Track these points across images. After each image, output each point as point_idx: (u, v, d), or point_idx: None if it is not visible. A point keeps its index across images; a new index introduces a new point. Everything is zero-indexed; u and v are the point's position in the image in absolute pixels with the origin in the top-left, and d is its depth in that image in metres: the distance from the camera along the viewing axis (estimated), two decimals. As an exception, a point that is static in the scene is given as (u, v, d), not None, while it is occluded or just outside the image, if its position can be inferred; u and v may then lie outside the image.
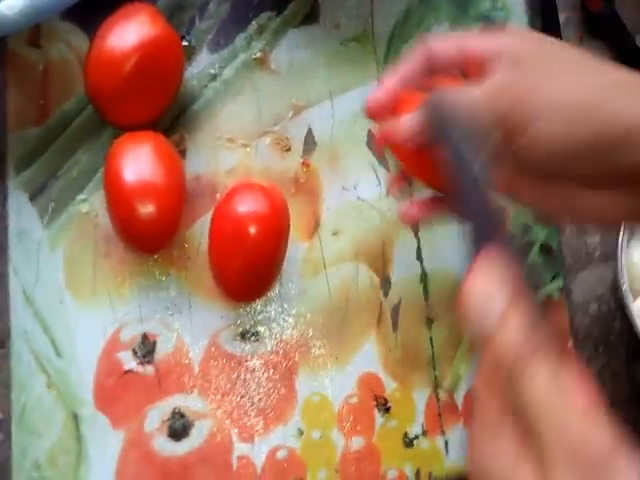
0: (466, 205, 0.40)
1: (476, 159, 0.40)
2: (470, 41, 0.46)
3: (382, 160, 0.63)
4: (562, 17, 0.70)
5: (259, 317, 0.59)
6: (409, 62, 0.48)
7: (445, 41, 0.47)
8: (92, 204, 0.58)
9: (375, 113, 0.48)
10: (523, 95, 0.41)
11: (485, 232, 0.38)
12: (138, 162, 0.55)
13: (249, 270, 0.55)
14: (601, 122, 0.40)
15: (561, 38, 0.69)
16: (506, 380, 0.33)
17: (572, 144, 0.41)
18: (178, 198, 0.56)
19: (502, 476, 0.33)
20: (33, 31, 0.60)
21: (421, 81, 0.47)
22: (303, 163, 0.61)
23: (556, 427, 0.32)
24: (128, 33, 0.56)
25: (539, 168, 0.43)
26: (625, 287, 0.61)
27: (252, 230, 0.54)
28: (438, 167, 0.42)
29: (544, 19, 0.69)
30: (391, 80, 0.48)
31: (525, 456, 0.33)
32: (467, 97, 0.42)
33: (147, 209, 0.53)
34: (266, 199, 0.56)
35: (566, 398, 0.32)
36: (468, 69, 0.47)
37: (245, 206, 0.55)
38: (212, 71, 0.62)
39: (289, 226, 0.57)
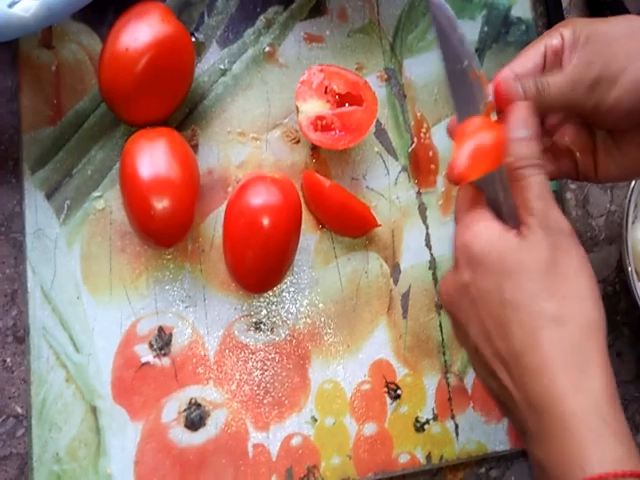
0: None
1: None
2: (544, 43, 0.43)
3: (390, 150, 0.56)
4: (565, 2, 0.62)
5: (272, 307, 0.53)
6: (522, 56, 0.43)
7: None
8: (107, 201, 0.52)
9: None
10: (605, 59, 0.40)
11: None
12: (153, 158, 0.48)
13: (263, 262, 0.49)
14: None
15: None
16: (525, 165, 0.39)
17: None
18: (193, 192, 0.50)
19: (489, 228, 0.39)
20: (45, 32, 0.53)
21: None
22: (312, 155, 0.55)
23: (541, 206, 0.38)
24: (140, 32, 0.49)
25: (625, 124, 0.42)
26: (630, 268, 0.55)
27: (265, 222, 0.48)
28: None
29: (547, 5, 0.62)
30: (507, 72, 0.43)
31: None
32: (555, 79, 0.41)
33: (162, 204, 0.47)
34: (278, 191, 0.49)
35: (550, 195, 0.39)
36: None
37: (258, 198, 0.49)
38: (222, 66, 0.55)
39: (301, 217, 0.51)
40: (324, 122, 0.52)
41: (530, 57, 0.42)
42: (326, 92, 0.53)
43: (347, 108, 0.52)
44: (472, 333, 0.38)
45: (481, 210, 0.40)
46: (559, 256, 0.37)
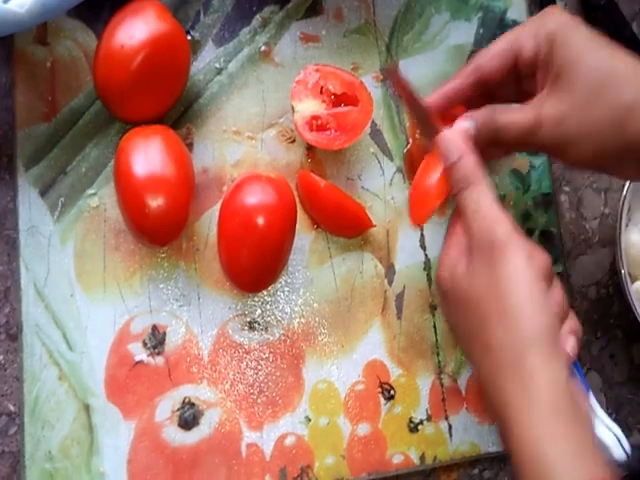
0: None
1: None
2: (510, 37, 0.45)
3: (385, 150, 0.57)
4: (560, 5, 0.63)
5: (267, 307, 0.53)
6: (457, 78, 0.47)
7: (490, 49, 0.46)
8: (101, 198, 0.52)
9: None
10: (567, 112, 0.41)
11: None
12: (148, 156, 0.48)
13: (257, 261, 0.49)
14: (630, 136, 0.40)
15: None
16: (461, 188, 0.43)
17: (610, 149, 0.41)
18: (187, 191, 0.50)
19: (449, 266, 0.43)
20: (40, 29, 0.54)
21: (467, 95, 0.47)
22: (307, 154, 0.56)
23: (476, 224, 0.41)
24: (136, 29, 0.49)
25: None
26: (623, 271, 0.56)
27: (260, 221, 0.48)
28: None
29: (542, 7, 0.63)
30: (436, 96, 0.48)
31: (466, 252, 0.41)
32: (516, 122, 0.43)
33: (157, 202, 0.47)
34: (273, 190, 0.50)
35: (492, 203, 0.41)
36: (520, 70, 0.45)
37: (253, 198, 0.49)
38: (217, 65, 0.56)
39: (296, 217, 0.51)
40: (319, 122, 0.52)
41: (498, 59, 0.44)
42: (322, 92, 0.53)
43: (342, 108, 0.53)
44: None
45: (450, 241, 0.43)
46: (494, 274, 0.38)
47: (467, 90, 0.46)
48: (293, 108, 0.53)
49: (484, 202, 0.41)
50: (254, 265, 0.50)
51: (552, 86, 0.42)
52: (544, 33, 0.43)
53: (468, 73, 0.46)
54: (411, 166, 0.56)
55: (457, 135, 0.43)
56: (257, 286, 0.52)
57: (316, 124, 0.52)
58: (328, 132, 0.53)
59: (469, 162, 0.42)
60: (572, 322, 0.41)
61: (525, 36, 0.44)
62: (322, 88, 0.53)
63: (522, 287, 0.38)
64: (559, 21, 0.43)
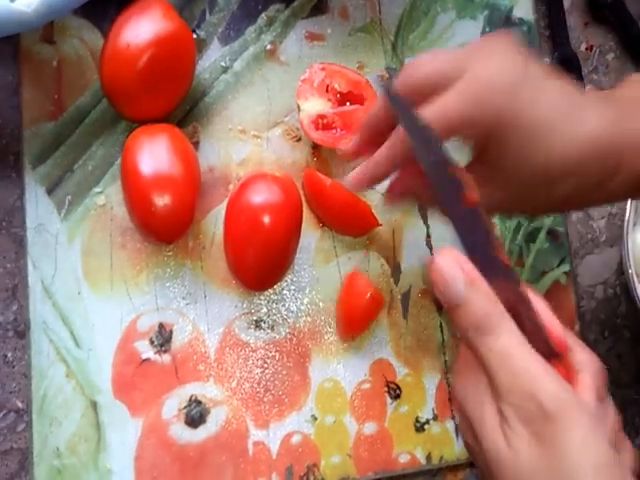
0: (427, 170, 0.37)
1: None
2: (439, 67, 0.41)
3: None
4: (567, 3, 0.63)
5: (273, 305, 0.54)
6: (374, 112, 0.44)
7: (416, 69, 0.42)
8: (108, 196, 0.53)
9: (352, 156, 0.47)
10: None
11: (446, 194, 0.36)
12: (154, 154, 0.49)
13: (264, 259, 0.50)
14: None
15: (566, 25, 0.64)
16: (475, 336, 0.34)
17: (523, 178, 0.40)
18: (193, 189, 0.51)
19: (473, 413, 0.34)
20: (47, 28, 0.54)
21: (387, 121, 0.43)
22: (313, 153, 0.56)
23: (508, 382, 0.32)
24: (142, 28, 0.50)
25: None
26: (631, 271, 0.56)
27: (266, 220, 0.49)
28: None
29: (549, 6, 0.64)
30: (360, 135, 0.45)
31: (489, 400, 0.33)
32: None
33: (163, 200, 0.48)
34: (279, 189, 0.50)
35: (523, 355, 0.33)
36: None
37: (259, 196, 0.50)
38: (223, 64, 0.57)
39: (302, 215, 0.52)
40: (325, 121, 0.53)
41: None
42: (327, 91, 0.54)
43: (348, 107, 0.54)
44: None
45: (462, 377, 0.36)
46: (549, 451, 0.31)
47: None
48: (299, 107, 0.53)
49: (512, 354, 0.33)
50: (260, 263, 0.50)
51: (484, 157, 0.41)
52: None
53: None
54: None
55: (455, 261, 0.35)
56: (263, 284, 0.53)
57: (322, 123, 0.53)
58: (334, 131, 0.53)
59: (481, 302, 0.34)
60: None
61: (453, 74, 0.41)
62: (328, 87, 0.54)
63: (592, 470, 0.31)
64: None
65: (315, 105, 0.53)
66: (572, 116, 0.38)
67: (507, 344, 0.33)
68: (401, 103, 0.39)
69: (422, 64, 0.41)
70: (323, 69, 0.54)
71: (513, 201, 0.42)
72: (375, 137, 0.43)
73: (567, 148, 0.38)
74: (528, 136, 0.38)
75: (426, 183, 0.40)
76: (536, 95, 0.39)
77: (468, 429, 0.35)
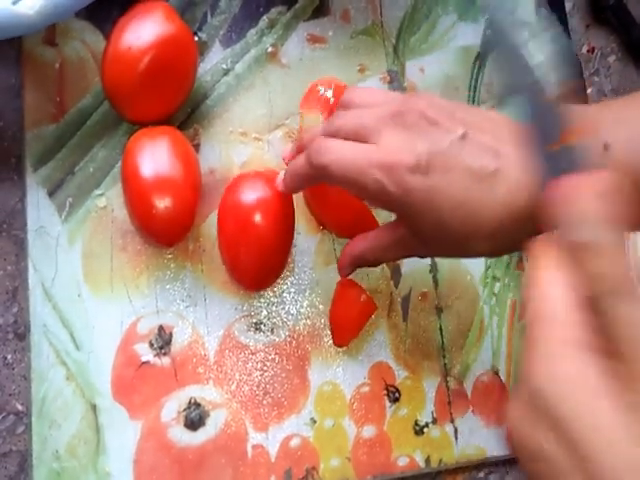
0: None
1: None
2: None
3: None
4: (568, 5, 0.64)
5: (273, 308, 0.54)
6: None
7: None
8: (109, 199, 0.53)
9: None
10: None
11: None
12: (155, 157, 0.49)
13: (257, 257, 0.50)
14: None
15: (567, 28, 0.64)
16: (607, 295, 0.26)
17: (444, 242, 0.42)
18: (194, 192, 0.51)
19: (573, 408, 0.26)
20: (49, 30, 0.54)
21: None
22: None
23: None
24: (143, 31, 0.50)
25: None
26: (631, 274, 0.57)
27: (257, 217, 0.49)
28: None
29: (551, 8, 0.64)
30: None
31: (612, 371, 0.26)
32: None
33: (164, 203, 0.48)
34: (268, 186, 0.50)
35: None
36: None
37: (248, 194, 0.50)
38: (224, 66, 0.57)
39: (294, 211, 0.52)
40: None
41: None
42: (329, 104, 0.54)
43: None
44: None
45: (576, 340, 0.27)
46: None
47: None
48: (302, 116, 0.53)
49: None
50: (254, 262, 0.50)
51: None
52: None
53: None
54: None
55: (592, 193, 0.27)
56: (260, 284, 0.53)
57: None
58: None
59: (621, 256, 0.27)
60: None
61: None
62: (329, 101, 0.54)
63: None
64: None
65: (318, 118, 0.53)
66: (482, 186, 0.39)
67: None
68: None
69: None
70: (320, 85, 0.54)
71: (433, 252, 0.47)
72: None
73: (481, 219, 0.39)
74: (441, 214, 0.39)
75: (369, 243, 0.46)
76: (446, 174, 0.39)
77: (550, 430, 0.26)
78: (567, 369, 0.26)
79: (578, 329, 0.27)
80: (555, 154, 0.29)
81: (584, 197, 0.27)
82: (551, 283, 0.28)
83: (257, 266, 0.51)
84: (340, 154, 0.41)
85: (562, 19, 0.63)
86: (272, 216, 0.50)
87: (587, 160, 0.29)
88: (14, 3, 0.47)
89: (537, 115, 0.31)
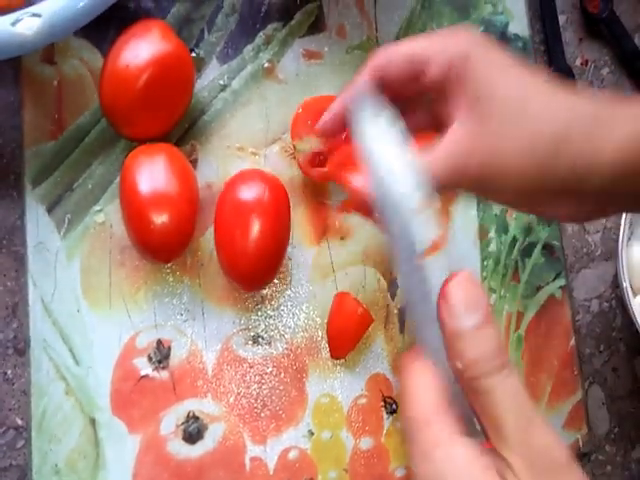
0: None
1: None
2: (416, 46, 0.39)
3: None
4: (562, 19, 0.65)
5: (270, 321, 0.55)
6: (359, 80, 0.40)
7: (391, 51, 0.40)
8: (107, 215, 0.54)
9: (324, 134, 0.45)
10: (488, 155, 0.36)
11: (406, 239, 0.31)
12: (152, 174, 0.50)
13: (254, 251, 0.50)
14: (565, 167, 0.35)
15: (561, 41, 0.65)
16: (484, 369, 0.29)
17: (540, 189, 0.36)
18: (192, 208, 0.52)
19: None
20: (47, 48, 0.55)
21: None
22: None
23: (521, 431, 0.28)
24: (141, 50, 0.51)
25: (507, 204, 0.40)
26: (625, 284, 0.57)
27: (254, 212, 0.50)
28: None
29: (544, 21, 0.65)
30: (340, 102, 0.42)
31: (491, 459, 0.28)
32: (434, 161, 0.37)
33: (162, 219, 0.49)
34: (263, 183, 0.51)
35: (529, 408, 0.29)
36: (421, 84, 0.39)
37: (244, 191, 0.51)
38: (221, 82, 0.58)
39: (288, 204, 0.52)
40: (321, 157, 0.54)
41: (401, 68, 0.39)
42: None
43: (341, 137, 0.54)
44: None
45: (447, 430, 0.29)
46: None
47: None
48: (295, 147, 0.54)
49: (524, 399, 0.29)
50: (251, 257, 0.51)
51: (465, 119, 0.37)
52: (455, 51, 0.37)
53: (366, 78, 0.40)
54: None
55: (472, 284, 0.30)
56: (255, 280, 0.52)
57: (318, 160, 0.53)
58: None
59: (496, 333, 0.29)
60: None
61: (432, 50, 0.38)
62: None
63: None
64: (472, 40, 0.38)
65: (310, 143, 0.53)
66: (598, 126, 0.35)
67: (518, 385, 0.29)
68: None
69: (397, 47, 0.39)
70: (312, 104, 0.55)
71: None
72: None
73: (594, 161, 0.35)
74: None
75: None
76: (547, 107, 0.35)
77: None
78: (440, 466, 0.29)
79: (447, 425, 0.29)
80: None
81: (455, 296, 0.30)
82: (419, 388, 0.30)
83: (253, 261, 0.51)
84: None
85: (556, 33, 0.64)
86: (269, 212, 0.51)
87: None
88: (13, 24, 0.48)
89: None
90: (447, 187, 0.37)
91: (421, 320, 0.31)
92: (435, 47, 0.38)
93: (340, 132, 0.44)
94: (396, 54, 0.39)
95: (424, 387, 0.30)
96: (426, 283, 0.31)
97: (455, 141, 0.37)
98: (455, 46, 0.38)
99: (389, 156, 0.33)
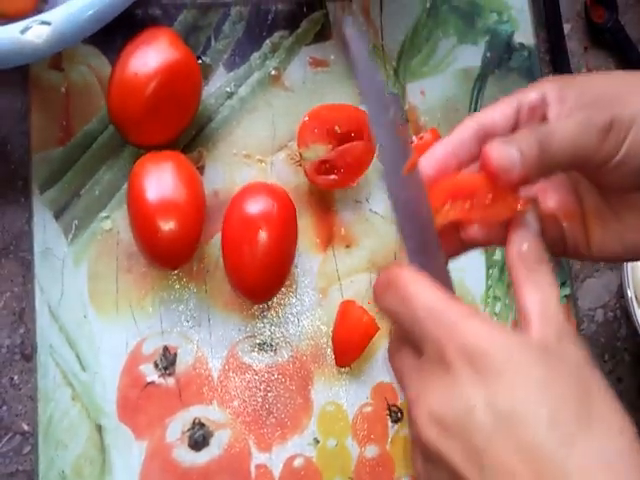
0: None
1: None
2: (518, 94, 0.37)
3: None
4: (567, 28, 0.65)
5: (276, 329, 0.55)
6: (459, 131, 0.37)
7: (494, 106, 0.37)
8: (114, 221, 0.54)
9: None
10: (612, 106, 0.33)
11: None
12: (160, 181, 0.50)
13: (261, 264, 0.51)
14: None
15: (566, 50, 0.65)
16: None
17: None
18: (199, 215, 0.52)
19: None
20: (55, 55, 0.55)
21: (470, 152, 0.36)
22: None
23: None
24: (149, 57, 0.51)
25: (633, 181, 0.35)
26: (630, 294, 0.57)
27: (262, 226, 0.51)
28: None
29: (549, 31, 0.65)
30: (440, 150, 0.37)
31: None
32: (561, 125, 0.34)
33: (169, 226, 0.49)
34: (271, 196, 0.52)
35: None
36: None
37: (252, 205, 0.51)
38: (228, 89, 0.58)
39: (296, 219, 0.53)
40: (327, 165, 0.54)
41: (499, 111, 0.36)
42: (328, 134, 0.54)
43: (348, 145, 0.54)
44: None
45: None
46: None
47: (468, 148, 0.36)
48: (301, 155, 0.54)
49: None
50: (258, 270, 0.51)
51: (582, 101, 0.35)
52: (546, 82, 0.37)
53: (464, 128, 0.37)
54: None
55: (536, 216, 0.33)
56: (262, 292, 0.53)
57: (324, 167, 0.54)
58: (337, 172, 0.54)
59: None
60: None
61: (526, 90, 0.37)
62: (328, 130, 0.54)
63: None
64: (562, 77, 0.38)
65: (317, 151, 0.54)
66: None
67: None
68: (360, 44, 0.35)
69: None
70: (320, 113, 0.55)
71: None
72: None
73: None
74: None
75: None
76: None
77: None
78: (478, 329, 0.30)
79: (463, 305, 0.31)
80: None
81: None
82: (420, 287, 0.32)
83: (260, 274, 0.51)
84: None
85: (561, 42, 0.64)
86: (277, 228, 0.51)
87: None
88: (22, 32, 0.49)
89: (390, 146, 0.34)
90: (573, 152, 0.33)
91: (404, 224, 0.33)
92: (523, 90, 0.37)
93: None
94: (495, 106, 0.37)
95: (423, 285, 0.31)
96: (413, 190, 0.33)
97: (572, 114, 0.34)
98: (545, 81, 0.37)
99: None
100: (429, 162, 0.35)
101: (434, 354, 0.30)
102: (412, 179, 0.33)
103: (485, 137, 0.35)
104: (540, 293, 0.31)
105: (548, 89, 0.36)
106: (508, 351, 0.29)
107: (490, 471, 0.27)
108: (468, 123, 0.36)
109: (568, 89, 0.36)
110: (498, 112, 0.36)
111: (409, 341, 0.32)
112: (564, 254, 0.38)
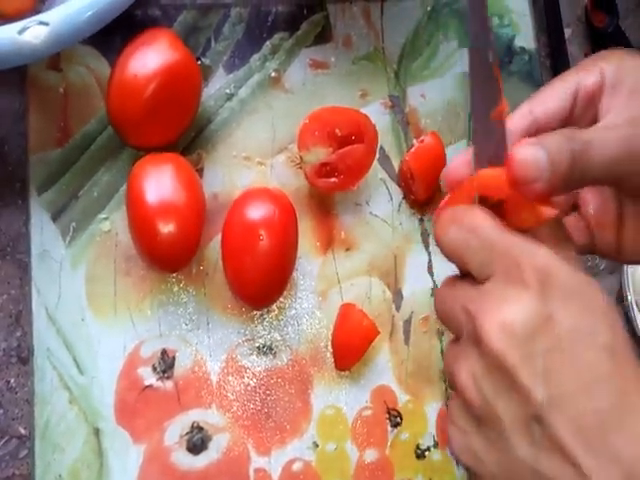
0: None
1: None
2: (571, 79, 0.36)
3: (393, 176, 0.59)
4: (567, 33, 0.65)
5: (275, 332, 0.55)
6: (513, 123, 0.36)
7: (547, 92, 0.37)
8: (113, 223, 0.54)
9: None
10: None
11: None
12: (159, 183, 0.50)
13: (262, 271, 0.50)
14: None
15: (567, 54, 0.65)
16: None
17: None
18: (198, 218, 0.52)
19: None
20: (53, 56, 0.55)
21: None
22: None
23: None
24: (148, 59, 0.51)
25: None
26: (630, 299, 0.58)
27: (262, 232, 0.50)
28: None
29: (550, 35, 0.65)
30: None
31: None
32: (601, 137, 0.32)
33: (168, 229, 0.49)
34: (271, 201, 0.52)
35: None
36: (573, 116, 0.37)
37: (252, 210, 0.51)
38: (228, 91, 0.58)
39: (296, 224, 0.52)
40: (328, 168, 0.54)
41: (556, 98, 0.36)
42: (328, 137, 0.54)
43: (348, 148, 0.54)
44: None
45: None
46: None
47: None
48: (301, 158, 0.54)
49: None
50: (258, 277, 0.51)
51: (623, 109, 0.34)
52: (605, 63, 0.36)
53: (519, 117, 0.36)
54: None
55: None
56: (264, 296, 0.53)
57: (325, 170, 0.53)
58: (338, 175, 0.54)
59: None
60: None
61: (585, 67, 0.36)
62: (328, 133, 0.54)
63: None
64: (618, 54, 0.37)
65: (317, 154, 0.54)
66: None
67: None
68: None
69: None
70: (321, 116, 0.55)
71: None
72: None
73: None
74: None
75: None
76: None
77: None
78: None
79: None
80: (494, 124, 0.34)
81: None
82: (481, 220, 0.34)
83: (261, 281, 0.51)
84: None
85: (562, 47, 0.64)
86: (277, 232, 0.51)
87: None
88: (20, 32, 0.48)
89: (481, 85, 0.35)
90: (610, 169, 0.33)
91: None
92: (586, 66, 0.37)
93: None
94: (550, 89, 0.37)
95: (491, 219, 0.33)
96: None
97: (615, 127, 0.33)
98: (604, 61, 0.36)
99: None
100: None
101: (508, 273, 0.31)
102: (498, 125, 0.34)
103: (536, 132, 0.35)
104: None
105: (607, 71, 0.35)
106: (578, 281, 0.31)
107: (551, 379, 0.30)
108: (523, 112, 0.36)
109: (625, 73, 0.35)
110: (555, 100, 0.36)
111: (463, 278, 0.34)
112: (592, 253, 0.39)
